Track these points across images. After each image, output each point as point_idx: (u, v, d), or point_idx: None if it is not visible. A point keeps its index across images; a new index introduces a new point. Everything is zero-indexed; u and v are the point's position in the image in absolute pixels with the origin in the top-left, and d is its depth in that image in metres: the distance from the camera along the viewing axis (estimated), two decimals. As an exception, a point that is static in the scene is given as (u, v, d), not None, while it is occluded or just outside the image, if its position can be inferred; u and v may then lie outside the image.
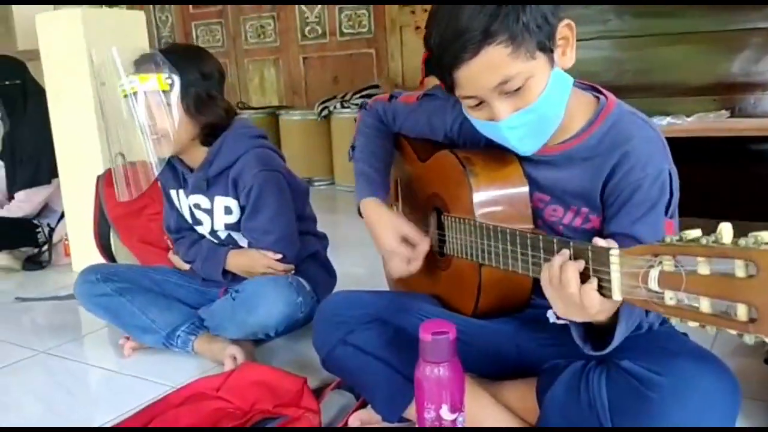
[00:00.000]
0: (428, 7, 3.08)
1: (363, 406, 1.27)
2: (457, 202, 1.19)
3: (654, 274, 0.73)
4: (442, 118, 1.26)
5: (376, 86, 4.10)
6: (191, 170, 1.65)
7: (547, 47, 0.98)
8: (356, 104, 3.92)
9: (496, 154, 1.16)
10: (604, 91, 1.11)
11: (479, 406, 1.12)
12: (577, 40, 1.03)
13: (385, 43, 4.31)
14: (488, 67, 0.96)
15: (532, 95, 0.99)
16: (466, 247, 1.14)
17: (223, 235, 1.69)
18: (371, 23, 4.37)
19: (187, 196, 1.69)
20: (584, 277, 0.86)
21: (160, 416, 1.27)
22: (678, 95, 2.92)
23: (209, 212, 1.67)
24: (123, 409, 1.38)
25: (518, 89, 0.98)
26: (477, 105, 1.03)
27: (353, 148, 1.42)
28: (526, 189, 1.14)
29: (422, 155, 1.35)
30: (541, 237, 0.94)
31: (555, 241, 0.91)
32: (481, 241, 1.09)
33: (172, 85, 1.53)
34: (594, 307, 0.85)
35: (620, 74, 3.15)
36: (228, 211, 1.64)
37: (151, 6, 5.22)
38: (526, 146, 1.07)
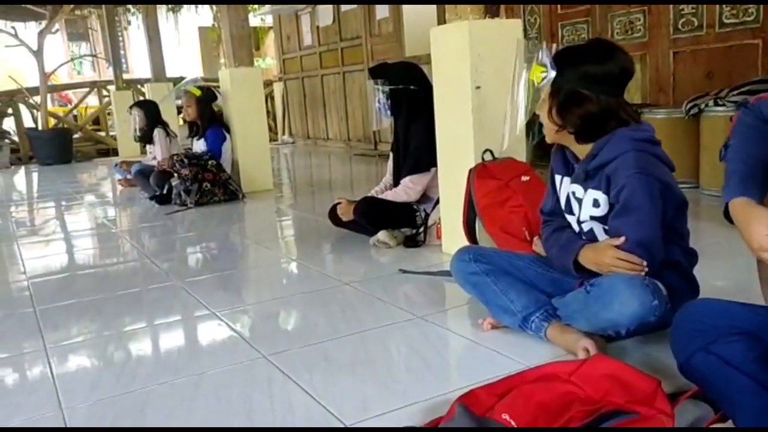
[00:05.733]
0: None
1: (722, 419, 1.22)
2: None
3: None
4: None
5: (761, 81, 3.65)
6: (578, 160, 1.76)
7: None
8: (733, 102, 3.55)
9: None
10: None
11: None
12: None
13: (776, 32, 3.81)
14: None
15: None
16: None
17: (586, 226, 1.76)
18: (760, 11, 3.90)
19: (570, 183, 1.79)
20: None
21: (516, 388, 1.40)
22: None
23: (580, 202, 1.75)
24: (480, 377, 1.56)
25: None
26: None
27: (726, 147, 1.33)
28: None
29: None
30: None
31: None
32: None
33: (544, 79, 1.65)
34: None
35: None
36: (596, 204, 1.70)
37: (522, 9, 5.49)
38: None
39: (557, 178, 1.85)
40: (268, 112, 9.75)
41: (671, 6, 4.41)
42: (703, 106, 3.73)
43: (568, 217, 1.83)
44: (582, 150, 1.73)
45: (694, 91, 4.06)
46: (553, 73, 1.64)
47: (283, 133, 10.14)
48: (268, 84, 9.84)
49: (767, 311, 1.25)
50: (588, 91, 1.65)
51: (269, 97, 9.94)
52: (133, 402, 1.63)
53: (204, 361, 1.87)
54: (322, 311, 2.25)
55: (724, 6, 4.10)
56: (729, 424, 1.18)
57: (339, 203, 3.23)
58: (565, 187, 1.82)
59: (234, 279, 2.86)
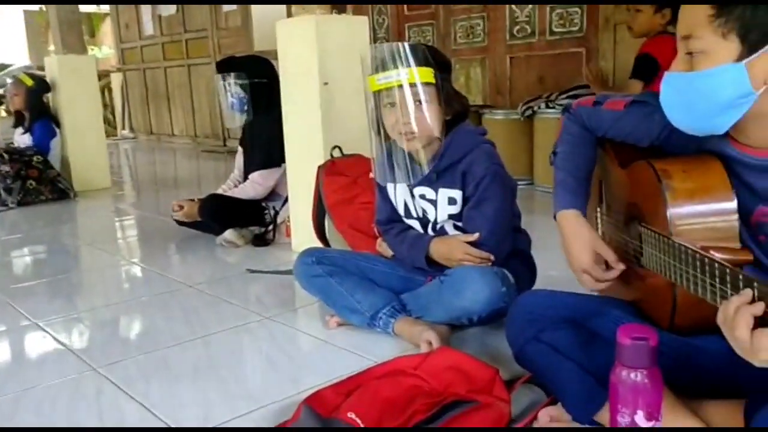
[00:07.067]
0: (641, 7, 2.95)
1: (553, 402, 1.29)
2: (653, 216, 1.15)
3: None
4: (648, 126, 1.23)
5: (584, 86, 3.98)
6: (416, 165, 1.74)
7: (750, 41, 0.94)
8: (561, 105, 3.85)
9: (703, 165, 1.10)
10: None
11: (679, 419, 1.09)
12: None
13: (597, 41, 4.17)
14: (688, 14, 1.00)
15: (697, 67, 0.99)
16: (659, 263, 1.10)
17: (438, 226, 1.79)
18: (583, 21, 4.26)
19: (411, 189, 1.80)
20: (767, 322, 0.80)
21: (363, 385, 1.40)
22: None
23: (434, 203, 1.77)
24: (330, 375, 1.54)
25: (694, 54, 0.99)
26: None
27: (555, 153, 1.43)
28: (732, 204, 1.07)
29: (623, 161, 1.32)
30: (728, 269, 0.88)
31: (741, 277, 0.84)
32: (673, 261, 1.04)
33: (435, 78, 1.64)
34: (766, 355, 0.79)
35: None
36: (452, 202, 1.74)
37: (370, 9, 5.56)
38: (670, 114, 1.08)
39: (389, 186, 1.86)
40: (105, 105, 9.11)
41: (507, 13, 4.68)
42: (536, 108, 4.00)
43: (410, 221, 1.86)
44: (424, 153, 1.72)
45: (528, 94, 4.34)
46: (437, 73, 1.65)
47: (123, 128, 9.50)
48: (105, 74, 9.17)
49: (590, 300, 1.35)
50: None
51: (106, 88, 9.27)
52: (-65, 430, 1.43)
53: (26, 376, 1.68)
54: (162, 316, 2.11)
55: (552, 15, 4.42)
56: (559, 406, 1.25)
57: (181, 206, 3.05)
58: (401, 192, 1.84)
59: (64, 285, 2.61)
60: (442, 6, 5.10)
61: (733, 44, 0.95)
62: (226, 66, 2.99)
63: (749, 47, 0.94)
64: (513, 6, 4.63)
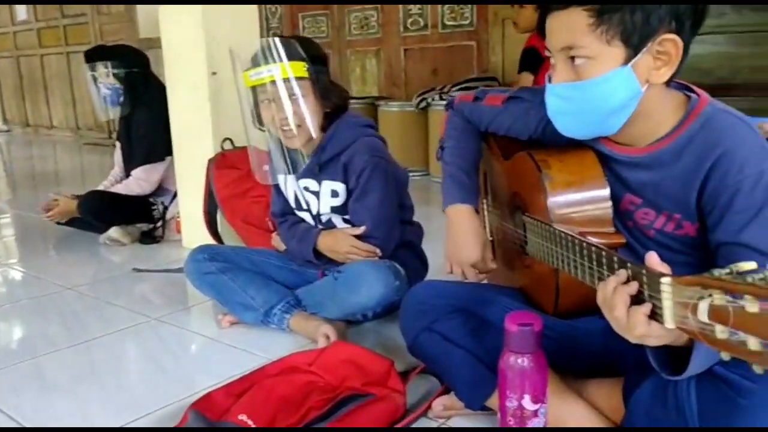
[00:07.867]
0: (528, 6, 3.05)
1: (446, 391, 1.31)
2: (534, 205, 1.19)
3: (704, 306, 0.68)
4: (526, 121, 1.27)
5: (476, 79, 4.09)
6: (300, 156, 1.71)
7: (632, 43, 0.97)
8: (454, 96, 3.92)
9: (577, 155, 1.14)
10: (696, 89, 1.07)
11: (563, 400, 1.13)
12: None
13: (487, 35, 4.28)
14: (565, 26, 1.00)
15: (585, 75, 1.00)
16: (542, 250, 1.14)
17: (324, 218, 1.77)
18: (473, 16, 4.36)
19: (297, 180, 1.77)
20: (641, 300, 0.83)
21: (257, 384, 1.35)
22: (799, 95, 2.73)
23: (317, 195, 1.75)
24: (223, 376, 1.49)
25: (579, 63, 1.00)
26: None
27: (442, 148, 1.45)
28: (606, 191, 1.12)
29: (505, 153, 1.35)
30: (604, 252, 0.91)
31: (615, 259, 0.88)
32: (555, 248, 1.07)
33: (308, 72, 1.60)
34: (640, 331, 0.82)
35: (735, 71, 2.99)
36: (335, 194, 1.72)
37: (261, -2, 5.44)
38: (561, 123, 1.09)
39: (280, 178, 1.82)
40: (-26, 94, 8.40)
41: (400, 5, 4.71)
42: (430, 100, 4.05)
43: (301, 214, 1.83)
44: (306, 146, 1.69)
45: (423, 86, 4.40)
46: (311, 66, 1.61)
47: (-4, 120, 8.79)
48: (-27, 62, 8.43)
49: (481, 289, 1.37)
50: (330, 77, 1.70)
51: (-25, 77, 8.53)
52: None
53: None
54: (37, 322, 1.96)
55: (444, 9, 4.49)
56: (452, 395, 1.27)
57: (56, 201, 2.84)
58: (291, 184, 1.80)
59: (-77, 293, 2.37)
60: (336, -3, 5.06)
61: (617, 49, 0.97)
62: (97, 55, 2.81)
63: (633, 49, 0.97)
64: (406, -2, 4.66)
